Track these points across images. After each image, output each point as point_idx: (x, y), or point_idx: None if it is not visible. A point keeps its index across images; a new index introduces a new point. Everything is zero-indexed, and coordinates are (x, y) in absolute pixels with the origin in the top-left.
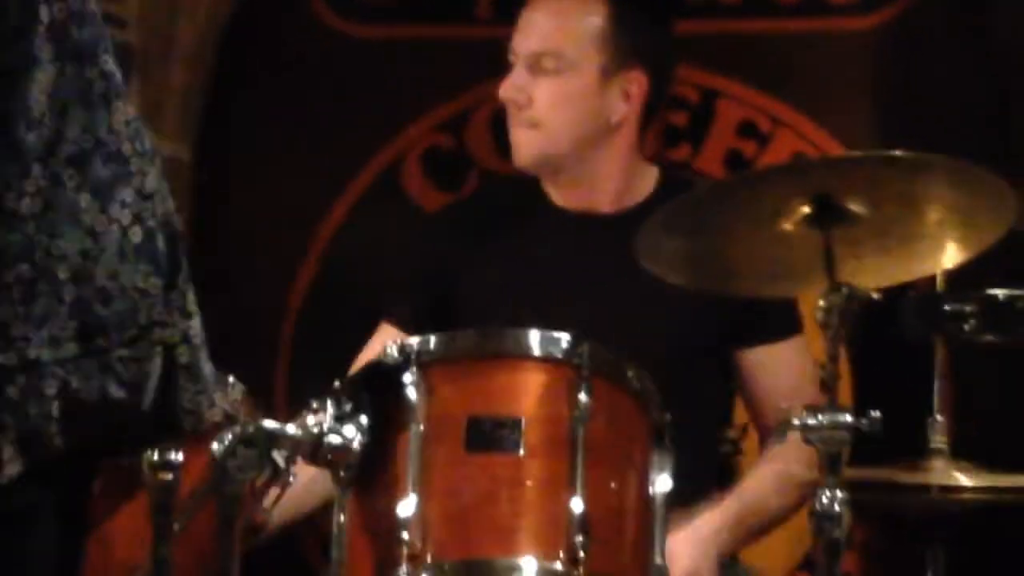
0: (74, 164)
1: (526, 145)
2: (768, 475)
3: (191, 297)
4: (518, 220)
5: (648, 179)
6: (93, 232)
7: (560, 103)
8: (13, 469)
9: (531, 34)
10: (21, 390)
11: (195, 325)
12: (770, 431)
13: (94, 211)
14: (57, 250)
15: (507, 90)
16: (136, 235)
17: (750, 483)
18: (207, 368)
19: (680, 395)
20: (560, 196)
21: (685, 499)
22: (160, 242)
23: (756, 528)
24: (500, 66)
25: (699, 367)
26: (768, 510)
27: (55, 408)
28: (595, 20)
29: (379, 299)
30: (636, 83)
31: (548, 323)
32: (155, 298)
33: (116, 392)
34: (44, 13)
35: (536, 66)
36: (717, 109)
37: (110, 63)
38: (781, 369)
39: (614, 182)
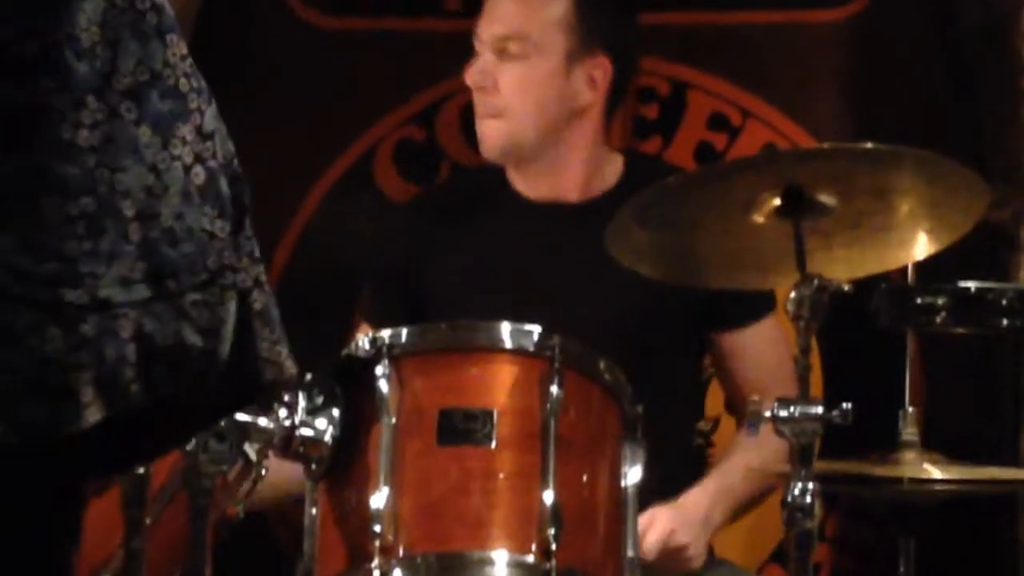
0: (131, 97)
1: (493, 135)
2: (740, 463)
3: (256, 243)
4: (485, 210)
5: (614, 167)
6: (156, 168)
7: (525, 87)
8: (94, 415)
9: (496, 19)
10: (96, 329)
11: (262, 272)
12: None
13: (156, 147)
14: (120, 185)
15: (472, 75)
16: (199, 176)
17: (726, 468)
18: (278, 317)
19: (651, 386)
20: (526, 186)
21: (658, 491)
22: (223, 184)
23: (730, 513)
24: (470, 59)
25: (670, 357)
26: (740, 497)
27: (131, 351)
28: (560, 5)
29: (351, 289)
30: (601, 68)
31: (516, 313)
32: (223, 241)
33: (192, 338)
34: None
35: (502, 51)
36: (688, 101)
37: None
38: (756, 351)
39: (580, 170)
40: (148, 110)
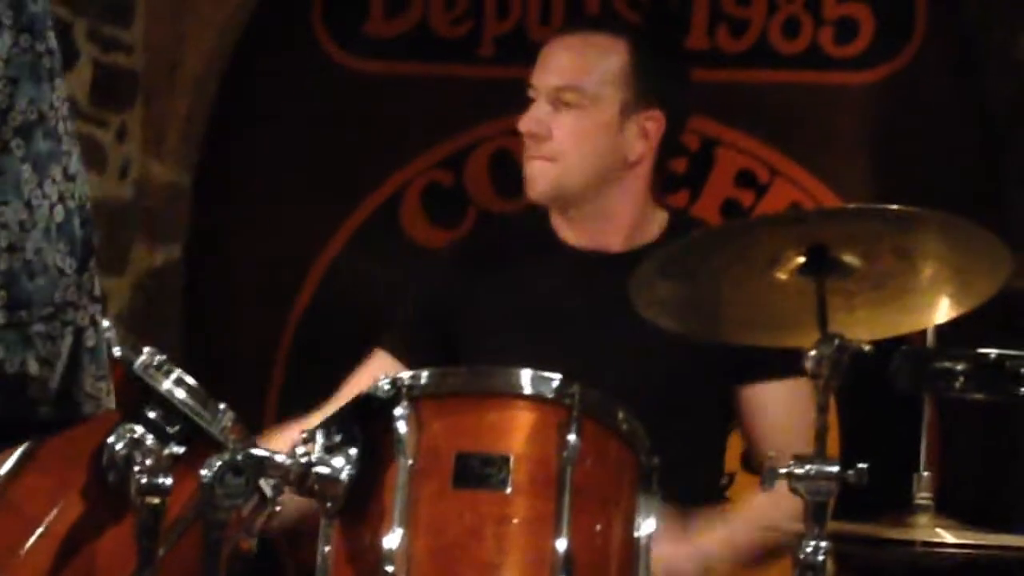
0: (21, 134)
1: (541, 177)
2: (755, 509)
3: (97, 283)
4: (525, 253)
5: (658, 222)
6: (30, 205)
7: (580, 137)
8: None
9: (552, 69)
10: None
11: (100, 311)
12: None
13: (33, 184)
14: (1, 217)
15: (527, 123)
16: (59, 214)
17: (739, 512)
18: (106, 355)
19: (671, 438)
20: (570, 233)
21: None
22: (76, 224)
23: (740, 556)
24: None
25: (694, 412)
26: (752, 544)
27: None
28: (617, 59)
29: (373, 330)
30: (655, 122)
31: (544, 358)
32: (70, 279)
33: (32, 367)
34: None
35: (557, 100)
36: (716, 157)
37: (53, 40)
38: (779, 409)
39: (626, 221)
40: (32, 149)
